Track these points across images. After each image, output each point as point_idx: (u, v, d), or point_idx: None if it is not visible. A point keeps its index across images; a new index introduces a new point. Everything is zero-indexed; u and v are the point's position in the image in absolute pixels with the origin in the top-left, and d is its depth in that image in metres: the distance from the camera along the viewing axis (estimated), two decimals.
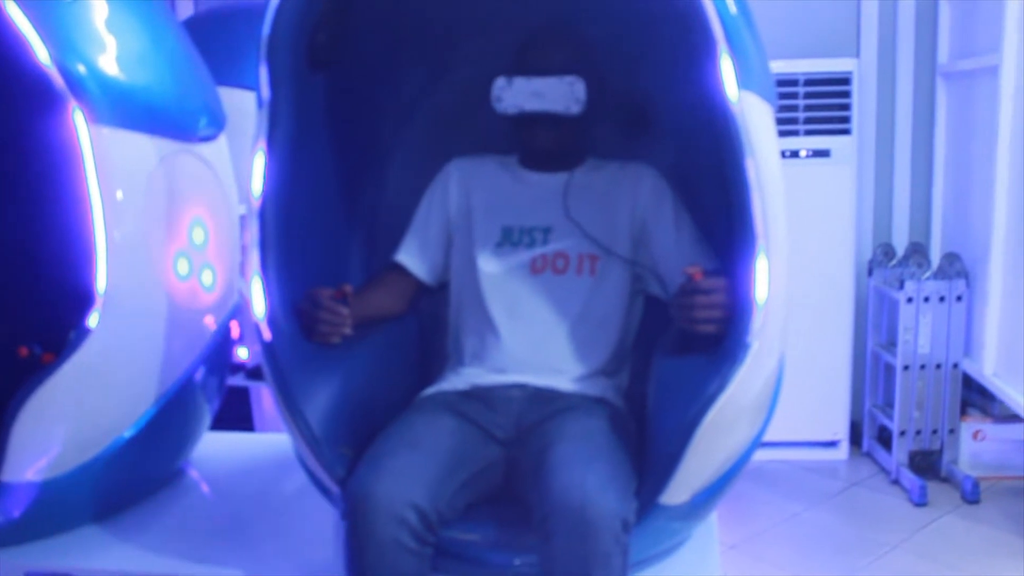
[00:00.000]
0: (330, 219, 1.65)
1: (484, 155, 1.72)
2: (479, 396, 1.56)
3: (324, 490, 1.45)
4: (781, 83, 2.87)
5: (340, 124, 1.61)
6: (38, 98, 1.45)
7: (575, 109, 1.58)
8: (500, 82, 1.58)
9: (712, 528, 1.58)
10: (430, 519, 1.30)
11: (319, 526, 1.62)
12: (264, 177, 1.45)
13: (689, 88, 1.38)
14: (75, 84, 1.43)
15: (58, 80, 1.42)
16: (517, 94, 1.58)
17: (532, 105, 1.58)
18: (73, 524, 1.67)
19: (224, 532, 1.69)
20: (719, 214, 1.47)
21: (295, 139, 1.49)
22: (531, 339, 1.60)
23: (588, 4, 1.60)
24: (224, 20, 1.87)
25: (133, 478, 1.75)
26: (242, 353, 2.62)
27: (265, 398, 2.69)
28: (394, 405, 1.56)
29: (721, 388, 1.28)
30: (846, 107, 2.96)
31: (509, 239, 1.65)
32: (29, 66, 1.43)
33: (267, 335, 1.43)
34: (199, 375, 1.75)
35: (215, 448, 2.01)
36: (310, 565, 1.57)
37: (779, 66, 2.88)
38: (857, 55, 3.09)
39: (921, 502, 2.80)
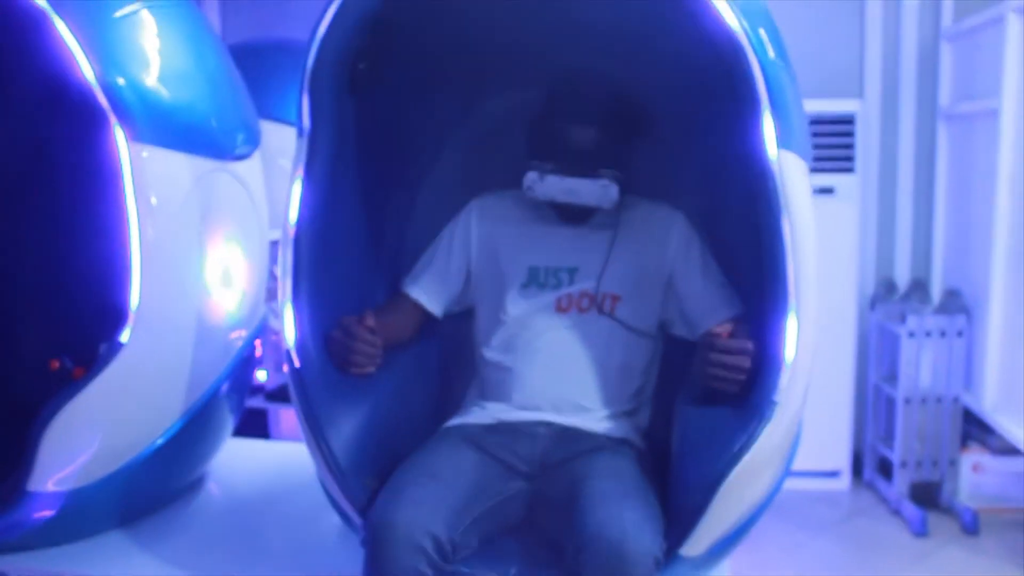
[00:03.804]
0: (359, 247, 1.65)
1: (505, 192, 1.70)
2: (504, 431, 1.54)
3: (345, 517, 1.44)
4: None
5: (373, 154, 1.62)
6: (80, 115, 1.45)
7: (607, 206, 1.58)
8: (532, 176, 1.57)
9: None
10: (446, 549, 1.29)
11: (332, 535, 1.62)
12: (300, 205, 1.45)
13: (726, 138, 1.39)
14: (118, 102, 1.43)
15: (101, 98, 1.42)
16: (549, 188, 1.57)
17: (564, 199, 1.58)
18: (96, 531, 1.66)
19: (240, 541, 1.68)
20: (743, 254, 1.47)
21: (332, 169, 1.49)
22: (556, 378, 1.59)
23: (620, 42, 1.58)
24: (252, 53, 1.88)
25: (156, 487, 1.74)
26: (261, 376, 2.61)
27: (283, 420, 2.68)
28: (416, 434, 1.55)
29: (747, 446, 1.27)
30: (850, 146, 2.99)
31: (536, 280, 1.64)
32: (74, 83, 1.43)
33: (297, 362, 1.42)
34: (224, 389, 1.75)
35: (234, 454, 2.00)
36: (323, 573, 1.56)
37: None
38: (861, 96, 3.13)
39: (921, 532, 2.78)
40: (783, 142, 1.29)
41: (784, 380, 1.28)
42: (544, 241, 1.66)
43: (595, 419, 1.56)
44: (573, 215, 1.64)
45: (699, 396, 1.40)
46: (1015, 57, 2.55)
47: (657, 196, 1.69)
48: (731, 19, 1.28)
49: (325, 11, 1.38)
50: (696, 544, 1.29)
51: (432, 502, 1.32)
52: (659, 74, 1.60)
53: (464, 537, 1.34)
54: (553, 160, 1.57)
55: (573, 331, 1.60)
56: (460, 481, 1.39)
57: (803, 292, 1.29)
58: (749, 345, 1.33)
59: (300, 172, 1.44)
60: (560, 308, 1.61)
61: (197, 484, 1.90)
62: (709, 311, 1.58)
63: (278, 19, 3.32)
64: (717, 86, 1.37)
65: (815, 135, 2.91)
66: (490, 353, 1.64)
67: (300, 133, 1.45)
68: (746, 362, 1.33)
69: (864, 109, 3.06)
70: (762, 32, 1.31)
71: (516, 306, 1.62)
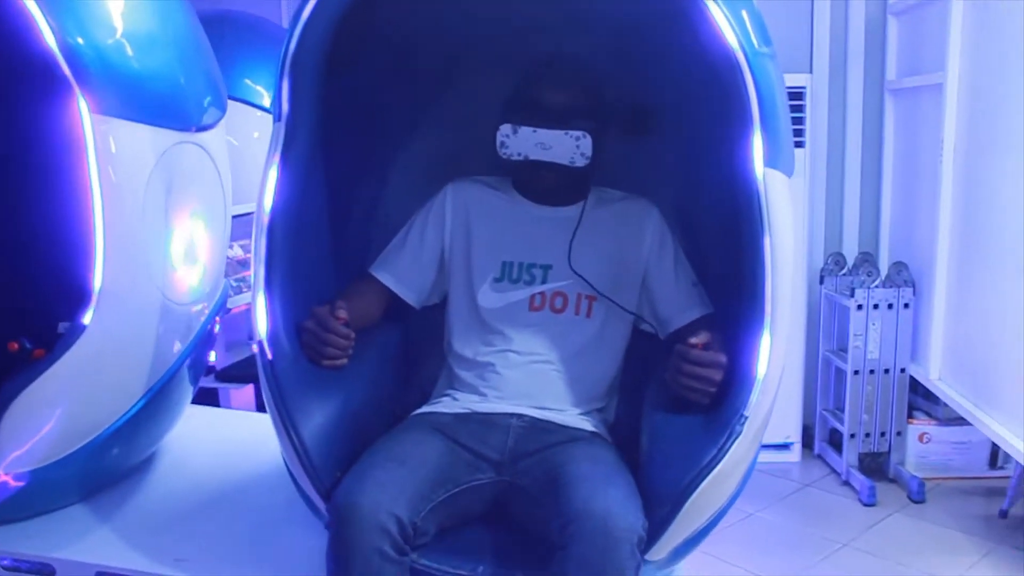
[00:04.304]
0: (330, 233, 1.68)
1: (480, 179, 1.75)
2: (475, 421, 1.59)
3: (312, 507, 1.49)
4: None
5: (346, 136, 1.65)
6: (41, 84, 1.45)
7: (580, 163, 1.61)
8: (505, 129, 1.61)
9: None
10: (408, 531, 1.35)
11: (288, 503, 1.68)
12: (276, 192, 1.47)
13: (711, 147, 1.45)
14: (81, 72, 1.44)
15: (64, 68, 1.42)
16: (522, 143, 1.61)
17: (537, 155, 1.61)
18: (56, 507, 1.71)
19: (197, 510, 1.75)
20: (719, 262, 1.55)
21: (309, 155, 1.52)
22: (528, 374, 1.63)
23: (607, 34, 1.65)
24: (211, 25, 1.90)
25: (117, 462, 1.79)
26: (211, 356, 2.64)
27: (234, 400, 2.72)
28: (383, 422, 1.61)
29: (716, 460, 1.33)
30: (799, 121, 3.13)
31: (508, 275, 1.67)
32: (35, 50, 1.42)
33: (269, 354, 1.45)
34: (187, 363, 1.79)
35: (188, 423, 2.07)
36: (281, 542, 1.64)
37: None
38: (810, 71, 3.28)
39: (870, 502, 2.96)
40: (770, 161, 1.35)
41: (755, 396, 1.35)
42: (518, 234, 1.69)
43: (568, 416, 1.62)
44: (547, 191, 1.68)
45: (668, 403, 1.47)
46: (958, 33, 2.71)
47: (635, 192, 1.74)
48: (731, 37, 1.32)
49: None
50: (660, 550, 1.38)
51: (396, 485, 1.37)
52: (645, 71, 1.67)
53: (426, 521, 1.40)
54: (525, 118, 1.61)
55: (547, 331, 1.65)
56: (425, 466, 1.44)
57: (779, 310, 1.36)
58: (722, 359, 1.40)
59: (276, 158, 1.46)
60: (534, 307, 1.66)
61: (156, 453, 1.96)
62: (680, 310, 1.65)
63: None
64: (708, 96, 1.43)
65: None
66: (461, 347, 1.68)
67: (277, 118, 1.47)
68: (718, 375, 1.40)
69: (813, 84, 3.21)
70: (759, 47, 1.34)
71: (488, 300, 1.67)
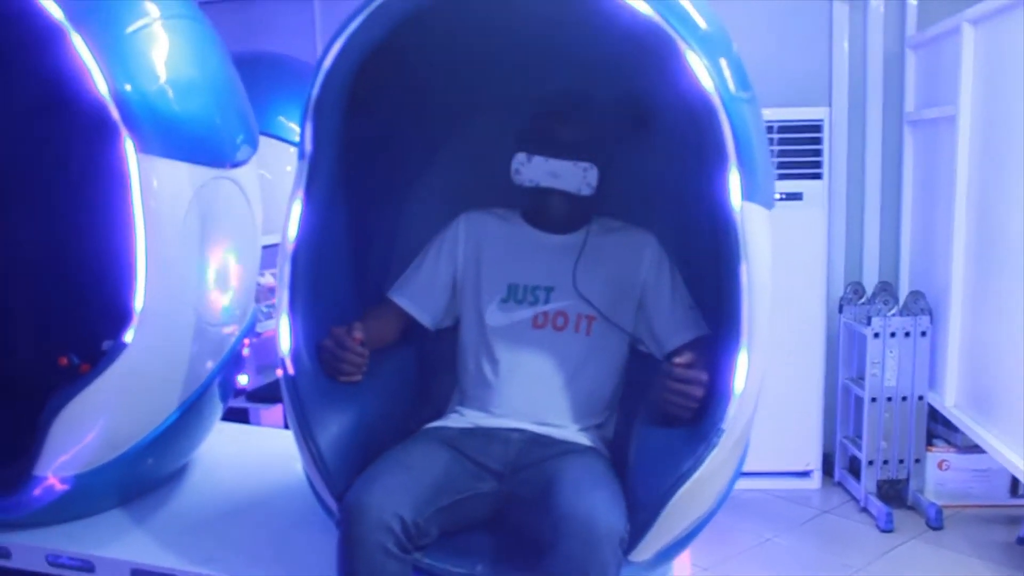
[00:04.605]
0: (350, 260, 1.87)
1: (491, 210, 1.93)
2: (480, 435, 1.75)
3: (326, 509, 1.66)
4: None
5: (365, 170, 1.84)
6: (93, 126, 1.66)
7: (586, 192, 1.79)
8: (520, 157, 1.79)
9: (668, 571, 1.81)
10: (411, 531, 1.51)
11: (306, 512, 1.86)
12: (300, 224, 1.66)
13: (695, 182, 1.60)
14: (128, 115, 1.65)
15: (113, 111, 1.63)
16: (534, 171, 1.79)
17: (547, 183, 1.79)
18: (96, 510, 1.91)
19: (225, 517, 1.94)
20: (708, 286, 1.69)
21: (330, 189, 1.71)
22: (530, 390, 1.79)
23: (602, 75, 1.82)
24: (247, 65, 2.11)
25: (152, 471, 1.98)
26: (242, 379, 2.84)
27: (263, 419, 2.91)
28: (396, 435, 1.77)
29: (693, 468, 1.47)
30: (818, 153, 3.26)
31: (514, 296, 1.84)
32: (87, 96, 1.64)
33: (291, 370, 1.64)
34: (218, 380, 1.99)
35: (219, 438, 2.28)
36: (300, 544, 1.82)
37: None
38: (829, 104, 3.40)
39: (888, 528, 3.04)
40: (747, 194, 1.48)
41: (732, 410, 1.49)
42: (524, 259, 1.87)
43: (566, 432, 1.78)
44: (553, 219, 1.85)
45: (655, 418, 1.62)
46: (969, 66, 2.83)
47: (632, 222, 1.91)
48: (708, 83, 1.46)
49: (331, 44, 1.59)
50: (644, 551, 1.52)
51: (402, 489, 1.53)
52: (637, 110, 1.84)
53: (428, 523, 1.55)
54: (538, 149, 1.79)
55: (549, 348, 1.81)
56: (430, 473, 1.61)
57: (756, 330, 1.49)
58: (704, 376, 1.55)
59: (300, 193, 1.66)
60: (537, 325, 1.82)
61: (187, 466, 2.15)
62: (676, 331, 1.81)
63: (250, 32, 3.57)
64: (688, 133, 1.59)
65: (785, 142, 3.23)
66: (469, 364, 1.86)
67: (301, 156, 1.66)
68: (699, 391, 1.54)
69: (832, 116, 3.33)
70: (736, 92, 1.48)
71: (495, 320, 1.84)
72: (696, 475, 1.47)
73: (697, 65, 1.46)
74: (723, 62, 1.49)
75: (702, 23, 1.50)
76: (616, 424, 1.87)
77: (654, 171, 1.89)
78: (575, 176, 1.79)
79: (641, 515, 1.50)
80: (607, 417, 1.85)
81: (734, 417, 1.50)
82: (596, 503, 1.48)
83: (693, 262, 1.84)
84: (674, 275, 1.85)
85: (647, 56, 1.53)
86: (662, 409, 1.59)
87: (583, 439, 1.77)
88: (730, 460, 1.57)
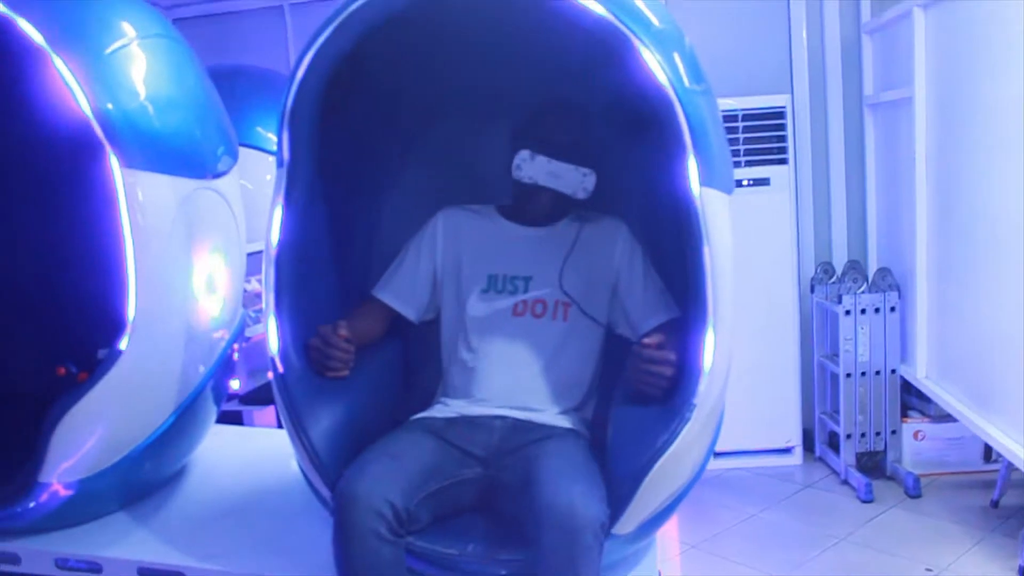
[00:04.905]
0: (332, 260, 1.93)
1: (466, 207, 2.02)
2: (463, 423, 1.82)
3: (321, 499, 1.73)
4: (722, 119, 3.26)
5: (343, 173, 1.91)
6: (78, 146, 1.72)
7: (581, 196, 1.87)
8: (523, 154, 1.85)
9: (652, 543, 1.88)
10: (402, 516, 1.57)
11: (303, 509, 1.93)
12: (281, 229, 1.73)
13: (657, 171, 1.67)
14: (112, 133, 1.71)
15: (97, 129, 1.69)
16: (536, 169, 1.86)
17: (546, 182, 1.86)
18: (99, 514, 1.98)
19: (224, 516, 2.01)
20: (676, 270, 1.77)
21: (309, 194, 1.78)
22: (511, 377, 1.87)
23: (567, 77, 1.90)
24: (225, 79, 2.17)
25: (151, 474, 2.05)
26: (234, 384, 2.91)
27: (257, 420, 2.98)
28: (384, 426, 1.84)
29: (668, 443, 1.54)
30: (782, 139, 3.37)
31: (494, 286, 1.91)
32: (71, 115, 1.70)
33: (280, 368, 1.71)
34: (210, 384, 2.05)
35: (215, 440, 2.35)
36: (297, 538, 1.89)
37: (720, 103, 3.25)
38: (791, 91, 3.51)
39: (868, 499, 3.15)
40: (705, 180, 1.55)
41: (702, 386, 1.56)
42: (503, 251, 1.94)
43: (546, 415, 1.86)
44: (541, 213, 1.93)
45: (630, 397, 1.69)
46: (922, 49, 2.93)
47: (603, 210, 1.98)
48: (662, 77, 1.53)
49: (302, 56, 1.66)
50: (626, 524, 1.59)
51: (391, 476, 1.60)
52: (603, 106, 1.93)
53: (419, 508, 1.62)
54: (540, 148, 1.86)
55: (528, 335, 1.89)
56: (418, 461, 1.68)
57: (721, 309, 1.56)
58: (672, 356, 1.62)
59: (281, 200, 1.73)
60: (516, 313, 1.90)
61: (185, 469, 2.22)
62: (649, 314, 1.89)
63: (225, 46, 3.64)
64: (649, 125, 1.66)
65: (750, 130, 3.33)
66: (453, 353, 1.94)
67: (280, 164, 1.74)
68: (669, 370, 1.61)
69: (794, 102, 3.45)
70: (690, 84, 1.55)
71: (476, 309, 1.91)
72: (671, 449, 1.55)
73: (651, 61, 1.54)
74: (676, 56, 1.57)
75: (654, 20, 1.57)
76: (596, 405, 1.94)
77: (621, 162, 1.97)
78: (574, 179, 1.87)
79: (621, 489, 1.57)
80: (586, 399, 1.93)
81: (705, 392, 1.57)
82: (575, 493, 1.53)
83: (660, 247, 1.92)
84: (645, 261, 1.93)
85: (606, 54, 1.60)
86: (636, 389, 1.67)
87: (563, 422, 1.85)
88: (704, 434, 1.64)
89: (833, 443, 3.49)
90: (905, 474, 3.20)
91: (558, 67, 1.88)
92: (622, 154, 1.97)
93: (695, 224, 1.56)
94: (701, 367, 1.58)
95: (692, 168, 1.56)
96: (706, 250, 1.56)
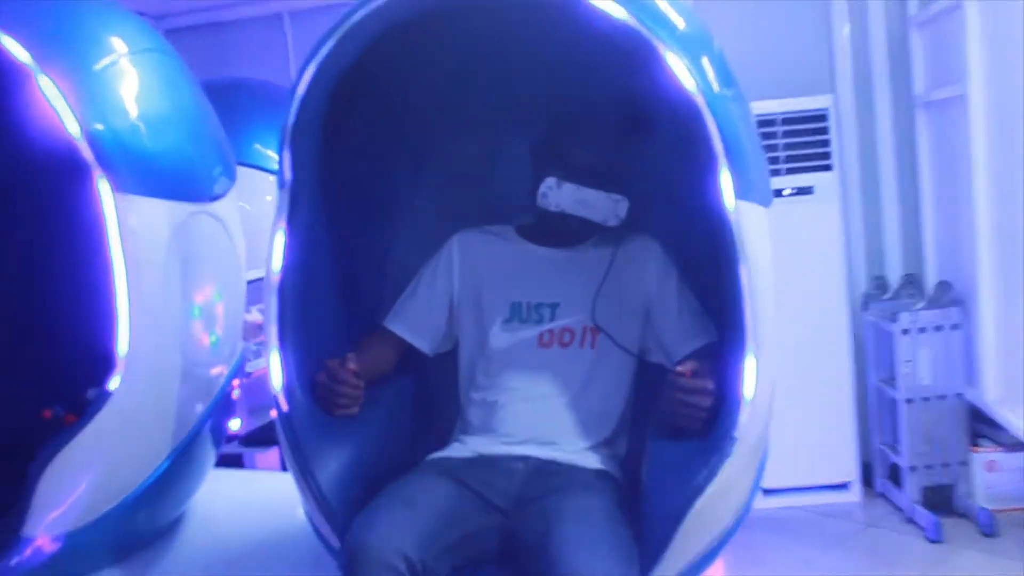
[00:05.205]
0: (340, 289, 1.96)
1: (483, 228, 2.03)
2: (482, 464, 1.82)
3: (331, 550, 1.73)
4: (759, 123, 3.23)
5: (350, 196, 1.94)
6: (65, 168, 1.74)
7: (612, 223, 1.88)
8: (550, 182, 1.86)
9: None
10: (417, 569, 1.57)
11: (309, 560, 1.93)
12: (284, 255, 1.74)
13: (689, 185, 1.68)
14: (102, 155, 1.73)
15: (86, 151, 1.72)
16: (563, 197, 1.86)
17: (574, 210, 1.87)
18: (90, 570, 1.98)
19: (226, 571, 2.02)
20: (711, 292, 1.78)
21: (313, 217, 1.80)
22: (536, 412, 1.87)
23: (592, 89, 1.92)
24: (221, 93, 2.21)
25: (146, 524, 2.06)
26: (234, 424, 2.93)
27: (259, 463, 2.99)
28: (398, 467, 1.85)
29: (708, 480, 1.53)
30: (826, 143, 3.37)
31: (518, 315, 1.92)
32: (58, 137, 1.72)
33: (285, 406, 1.72)
34: (208, 425, 2.08)
35: (215, 486, 2.35)
36: None
37: (757, 107, 3.24)
38: (833, 91, 3.52)
39: (937, 539, 3.10)
40: (740, 193, 1.56)
41: (744, 417, 1.56)
42: (526, 276, 1.96)
43: (574, 452, 1.86)
44: (567, 237, 1.95)
45: (665, 431, 1.70)
46: (976, 42, 2.93)
47: (629, 227, 1.97)
48: (689, 83, 1.55)
49: (303, 71, 1.69)
50: (663, 572, 1.59)
51: (405, 525, 1.60)
52: (627, 116, 1.92)
53: (436, 561, 1.61)
54: (567, 173, 1.87)
55: (555, 366, 1.90)
56: (434, 508, 1.67)
57: (761, 332, 1.57)
58: (709, 385, 1.62)
59: (283, 223, 1.75)
60: (543, 343, 1.91)
61: (182, 518, 2.23)
62: (685, 339, 1.89)
63: (221, 57, 3.69)
64: (678, 137, 1.68)
65: (790, 135, 3.33)
66: (473, 388, 1.95)
67: (281, 185, 1.76)
68: (706, 401, 1.62)
69: (837, 103, 3.45)
70: (718, 87, 1.56)
71: (499, 340, 1.93)
72: (712, 487, 1.55)
73: (677, 66, 1.56)
74: (704, 60, 1.59)
75: (679, 23, 1.59)
76: (628, 440, 1.95)
77: (648, 175, 1.99)
78: (605, 207, 1.87)
79: (657, 533, 1.57)
80: (617, 434, 1.93)
81: (746, 424, 1.57)
82: (597, 564, 1.53)
83: (694, 267, 1.93)
84: (680, 282, 1.94)
85: (630, 61, 1.62)
86: (672, 422, 1.67)
87: (592, 460, 1.85)
88: (747, 470, 1.65)
89: (895, 477, 3.46)
90: (978, 510, 3.16)
91: (578, 75, 1.91)
92: (650, 167, 1.99)
93: (730, 241, 1.58)
94: (742, 396, 1.58)
95: (725, 180, 1.57)
96: (743, 268, 1.57)
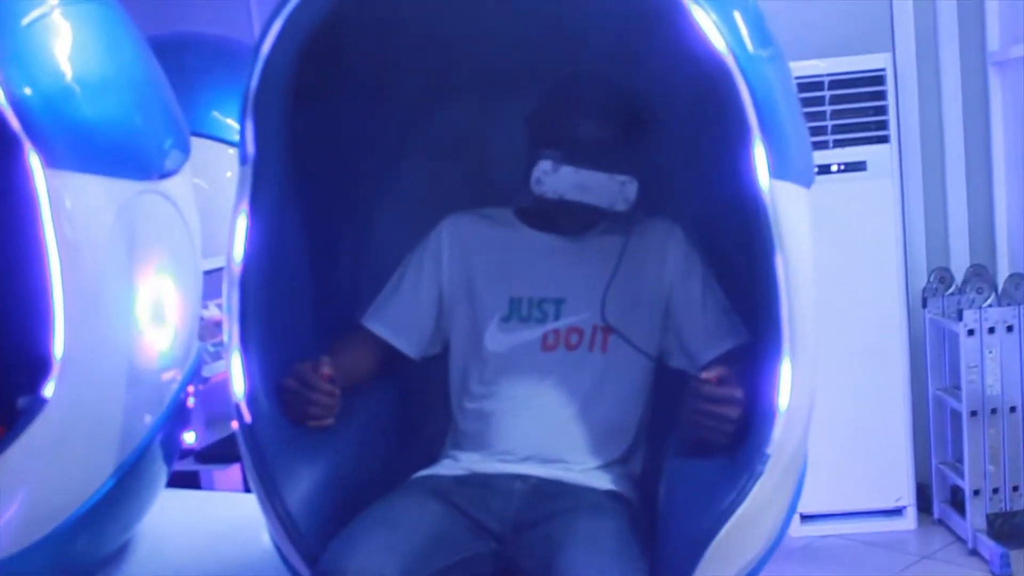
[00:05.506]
0: (312, 283, 1.96)
1: (478, 211, 2.03)
2: (475, 484, 1.83)
3: None
4: (803, 87, 3.28)
5: (322, 174, 1.94)
6: None
7: (621, 208, 1.86)
8: (544, 166, 1.85)
9: None
10: None
11: None
12: (247, 241, 1.73)
13: (719, 163, 1.68)
14: (31, 125, 1.70)
15: (13, 121, 1.69)
16: (560, 182, 1.85)
17: (574, 196, 1.86)
18: None
19: None
20: (743, 290, 1.79)
21: (280, 198, 1.80)
22: (539, 425, 1.88)
23: (603, 50, 1.91)
24: (172, 51, 2.21)
25: (87, 552, 2.07)
26: (188, 437, 2.95)
27: (218, 483, 3.02)
28: (378, 488, 1.85)
29: (736, 504, 1.54)
30: (882, 110, 3.38)
31: (517, 313, 1.93)
32: None
33: (247, 417, 1.72)
34: (158, 439, 2.08)
35: (167, 509, 2.36)
36: None
37: (800, 68, 3.24)
38: (891, 49, 3.51)
39: (1003, 573, 3.11)
40: (777, 172, 1.56)
41: (777, 431, 1.56)
42: (526, 268, 1.96)
43: (582, 471, 1.87)
44: (570, 226, 1.96)
45: (688, 446, 1.71)
46: None
47: (646, 211, 1.97)
48: (719, 42, 1.55)
49: (269, 26, 1.68)
50: None
51: (387, 550, 1.61)
52: (649, 88, 1.93)
53: None
54: (565, 152, 1.86)
55: (561, 373, 1.90)
56: (420, 531, 1.69)
57: (799, 333, 1.57)
58: (737, 393, 1.64)
59: (245, 205, 1.75)
60: (547, 346, 1.92)
61: (129, 544, 2.24)
62: (711, 341, 1.89)
63: (173, 10, 3.69)
64: (707, 108, 1.68)
65: (841, 100, 3.33)
66: (466, 396, 1.96)
67: (243, 160, 1.76)
68: (734, 411, 1.63)
69: (896, 64, 3.45)
70: (754, 50, 1.56)
71: (496, 343, 1.93)
72: (740, 512, 1.55)
73: (704, 21, 1.56)
74: (736, 15, 1.59)
75: None
76: (645, 457, 1.96)
77: (669, 151, 2.00)
78: (610, 190, 1.86)
79: (676, 563, 1.59)
80: (632, 450, 1.95)
81: (781, 439, 1.58)
82: None
83: (723, 257, 1.94)
84: (705, 274, 1.94)
85: (649, 17, 1.63)
86: (695, 434, 1.69)
87: (602, 480, 1.87)
88: (781, 492, 1.66)
89: (957, 501, 3.48)
90: None
91: (587, 35, 1.90)
92: (671, 142, 1.99)
93: (764, 227, 1.58)
94: (776, 407, 1.59)
95: (759, 156, 1.58)
96: (779, 259, 1.58)
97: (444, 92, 2.10)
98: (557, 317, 1.93)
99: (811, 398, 1.65)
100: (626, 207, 1.88)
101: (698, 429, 1.67)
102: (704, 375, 1.67)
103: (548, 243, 1.98)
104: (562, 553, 1.62)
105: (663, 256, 1.95)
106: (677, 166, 2.01)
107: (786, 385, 1.58)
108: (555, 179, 1.86)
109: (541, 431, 1.89)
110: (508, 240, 2.00)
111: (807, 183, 1.68)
